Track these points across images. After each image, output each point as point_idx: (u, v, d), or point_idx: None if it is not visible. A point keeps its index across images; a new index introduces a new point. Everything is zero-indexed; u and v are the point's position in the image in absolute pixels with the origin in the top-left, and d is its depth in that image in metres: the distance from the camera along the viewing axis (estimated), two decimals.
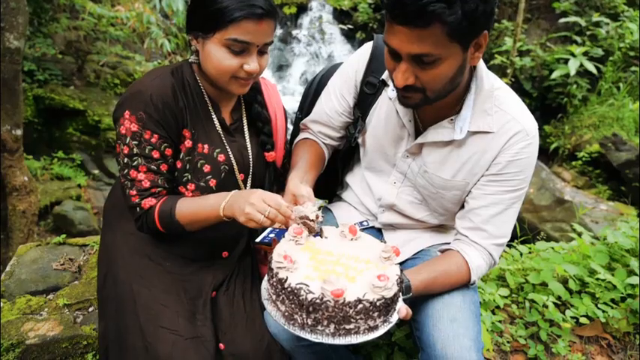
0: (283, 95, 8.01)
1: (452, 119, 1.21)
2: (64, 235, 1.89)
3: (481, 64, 1.19)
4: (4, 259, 3.83)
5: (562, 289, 1.89)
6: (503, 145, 1.19)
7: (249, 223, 1.08)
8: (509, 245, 2.40)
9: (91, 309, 1.53)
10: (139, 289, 1.21)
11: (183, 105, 1.20)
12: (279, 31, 8.94)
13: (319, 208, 1.10)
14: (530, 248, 2.32)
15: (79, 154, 5.88)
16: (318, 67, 8.78)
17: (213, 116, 1.27)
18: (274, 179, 1.43)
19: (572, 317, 1.89)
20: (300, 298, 0.88)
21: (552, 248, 2.28)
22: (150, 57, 6.83)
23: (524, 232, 2.75)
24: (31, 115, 5.62)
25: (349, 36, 8.65)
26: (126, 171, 1.17)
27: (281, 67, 8.58)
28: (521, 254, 2.27)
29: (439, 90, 1.09)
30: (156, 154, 1.16)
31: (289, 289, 0.89)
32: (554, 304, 1.90)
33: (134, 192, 1.18)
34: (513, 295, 2.04)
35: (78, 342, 1.40)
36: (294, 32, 8.91)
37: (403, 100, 1.14)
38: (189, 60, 1.23)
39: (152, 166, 1.17)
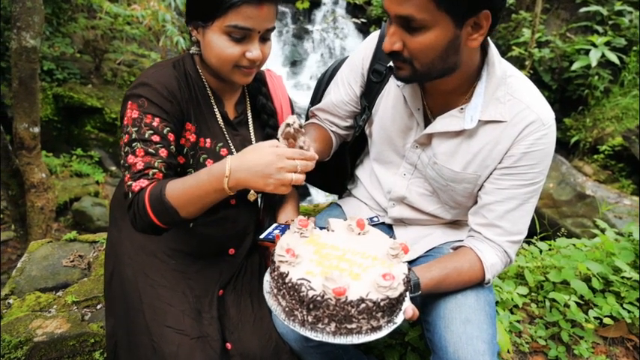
0: (297, 90, 7.98)
1: (462, 108, 1.16)
2: (75, 232, 1.90)
3: (493, 50, 1.13)
4: (23, 254, 3.91)
5: (585, 288, 1.81)
6: (517, 135, 1.12)
7: (280, 190, 0.95)
8: (528, 242, 2.32)
9: (99, 306, 1.52)
10: (145, 288, 1.19)
11: (187, 97, 1.17)
12: (292, 27, 8.91)
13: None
14: (550, 245, 2.23)
15: (97, 151, 5.98)
16: (331, 61, 8.71)
17: (215, 109, 1.24)
18: None
19: (595, 317, 1.81)
20: (301, 294, 0.84)
21: (574, 245, 2.20)
22: (165, 55, 6.87)
23: (544, 228, 2.66)
24: (50, 113, 5.73)
25: (363, 30, 8.56)
26: (124, 159, 1.09)
27: (295, 62, 8.54)
28: (540, 251, 2.20)
29: (427, 64, 1.04)
30: (156, 138, 1.08)
31: (290, 284, 0.86)
32: (577, 303, 1.83)
33: (127, 177, 1.06)
34: (533, 294, 1.97)
35: (85, 340, 1.39)
36: (308, 27, 8.86)
37: (396, 72, 1.11)
38: (191, 51, 1.20)
39: (150, 150, 1.07)
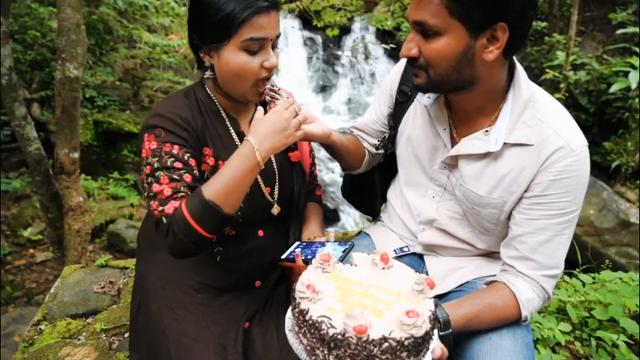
0: (327, 114, 8.05)
1: (487, 130, 1.13)
2: (107, 257, 1.94)
3: (520, 72, 1.10)
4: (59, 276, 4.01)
5: (635, 327, 1.68)
6: (544, 161, 1.07)
7: (298, 135, 1.11)
8: (569, 274, 2.20)
9: (127, 334, 1.52)
10: (170, 323, 1.18)
11: (202, 123, 1.18)
12: (322, 53, 9.06)
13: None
14: (594, 278, 2.10)
15: (133, 175, 6.17)
16: (361, 87, 8.79)
17: (231, 130, 1.24)
18: (302, 182, 1.37)
19: None
20: (322, 332, 0.80)
21: (620, 279, 2.06)
22: None
23: (586, 259, 2.52)
24: (90, 138, 5.98)
25: (392, 55, 8.61)
26: (148, 189, 1.09)
27: (324, 88, 8.65)
28: (583, 284, 2.07)
29: (441, 72, 1.04)
30: (178, 165, 1.09)
31: (310, 321, 0.82)
32: (626, 343, 1.69)
33: (156, 204, 1.06)
34: (577, 332, 1.84)
35: None
36: (338, 53, 8.99)
37: (414, 79, 1.13)
38: (205, 76, 1.20)
39: (174, 176, 1.08)
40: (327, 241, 1.29)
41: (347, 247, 1.22)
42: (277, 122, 1.07)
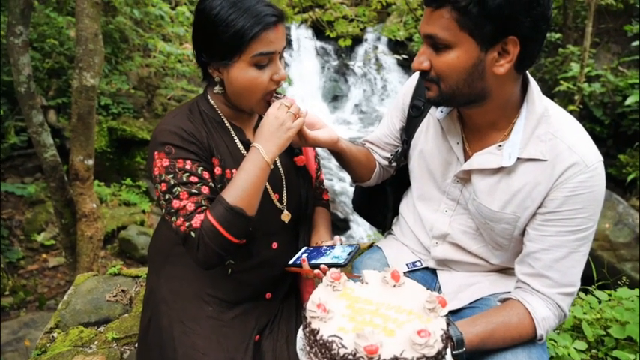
0: (338, 125, 8.07)
1: (500, 145, 1.13)
2: (119, 265, 1.95)
3: (533, 87, 1.10)
4: (71, 281, 4.05)
5: None
6: (558, 177, 1.06)
7: (298, 124, 1.14)
8: (584, 290, 2.16)
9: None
10: (180, 336, 1.19)
11: (206, 134, 1.19)
12: (334, 63, 9.12)
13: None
14: (610, 295, 2.06)
15: (145, 182, 6.24)
16: (373, 96, 8.81)
17: (236, 140, 1.25)
18: (309, 186, 1.38)
19: None
20: (332, 352, 0.79)
21: (638, 296, 2.01)
22: None
23: (602, 275, 2.47)
24: (104, 145, 6.08)
25: (404, 66, 8.63)
26: (168, 206, 1.11)
27: (336, 97, 8.69)
28: (599, 301, 2.02)
29: (452, 85, 1.04)
30: (194, 179, 1.12)
31: (321, 341, 0.82)
32: None
33: (181, 221, 1.09)
34: (593, 350, 1.80)
35: None
36: (350, 63, 9.04)
37: (426, 92, 1.13)
38: (215, 91, 1.21)
39: (193, 190, 1.11)
40: (334, 245, 1.29)
41: (353, 249, 1.22)
42: (272, 122, 1.11)
